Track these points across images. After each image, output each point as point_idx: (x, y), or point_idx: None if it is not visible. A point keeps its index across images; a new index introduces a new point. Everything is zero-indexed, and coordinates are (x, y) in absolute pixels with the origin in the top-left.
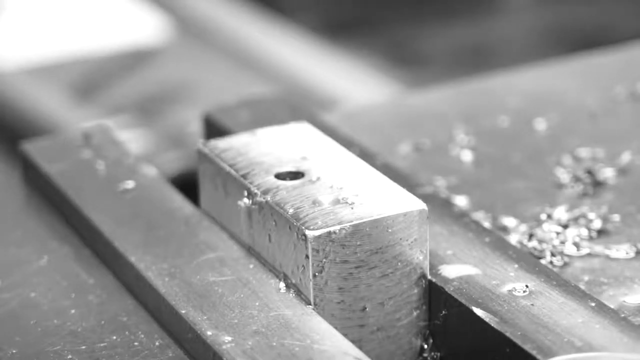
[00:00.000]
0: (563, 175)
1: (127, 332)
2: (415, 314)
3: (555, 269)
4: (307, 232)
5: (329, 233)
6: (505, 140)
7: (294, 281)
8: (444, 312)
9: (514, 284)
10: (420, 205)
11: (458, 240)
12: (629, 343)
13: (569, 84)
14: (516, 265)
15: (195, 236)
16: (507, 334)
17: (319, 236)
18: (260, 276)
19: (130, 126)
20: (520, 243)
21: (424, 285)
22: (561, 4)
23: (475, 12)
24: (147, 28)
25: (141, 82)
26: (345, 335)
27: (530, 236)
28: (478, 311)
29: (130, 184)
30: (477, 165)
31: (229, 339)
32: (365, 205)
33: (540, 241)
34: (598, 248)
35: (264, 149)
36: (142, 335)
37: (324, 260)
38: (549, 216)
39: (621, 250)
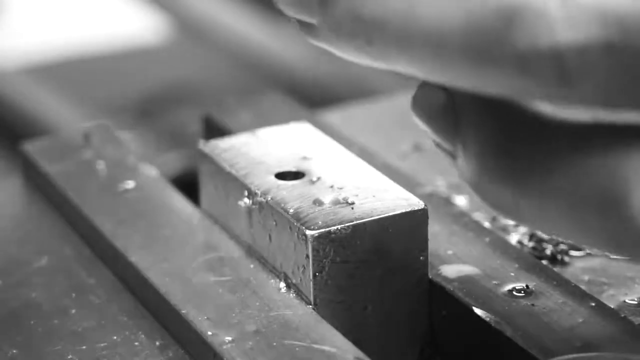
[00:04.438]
0: None
1: (127, 332)
2: (415, 313)
3: (555, 269)
4: (308, 232)
5: (329, 233)
6: None
7: (294, 281)
8: (444, 312)
9: (514, 284)
10: (421, 205)
11: (458, 240)
12: (629, 343)
13: None
14: (516, 265)
15: (195, 236)
16: (507, 334)
17: (319, 236)
18: (260, 276)
19: (130, 126)
20: (520, 243)
21: (424, 285)
22: None
23: None
24: (147, 28)
25: (141, 82)
26: (345, 335)
27: (531, 236)
28: (478, 311)
29: (130, 184)
30: None
31: (230, 338)
32: (365, 205)
33: (540, 241)
34: None
35: (264, 149)
36: (143, 335)
37: (325, 260)
38: None
39: None
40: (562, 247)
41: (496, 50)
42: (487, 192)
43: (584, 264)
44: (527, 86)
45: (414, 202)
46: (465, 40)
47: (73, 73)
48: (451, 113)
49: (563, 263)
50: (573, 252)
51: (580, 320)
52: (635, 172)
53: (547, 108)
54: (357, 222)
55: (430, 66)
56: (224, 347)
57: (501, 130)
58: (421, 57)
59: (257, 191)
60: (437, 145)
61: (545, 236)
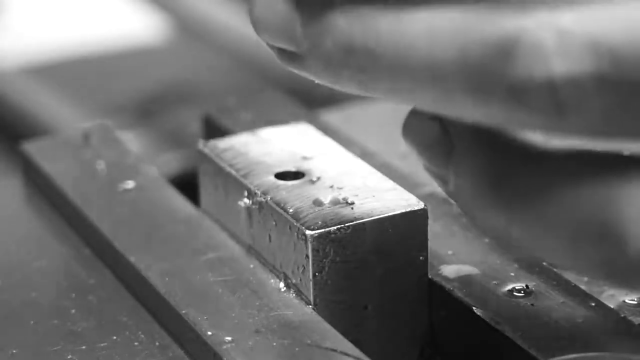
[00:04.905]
0: None
1: (127, 332)
2: (415, 313)
3: (555, 269)
4: (307, 232)
5: (329, 233)
6: None
7: (294, 281)
8: (444, 312)
9: (514, 284)
10: (421, 205)
11: (458, 240)
12: (629, 343)
13: None
14: (516, 265)
15: (195, 236)
16: (507, 334)
17: (319, 236)
18: (260, 276)
19: (130, 126)
20: None
21: (424, 285)
22: None
23: None
24: (147, 27)
25: (141, 82)
26: (345, 335)
27: None
28: (478, 311)
29: (130, 184)
30: None
31: (229, 339)
32: (365, 205)
33: None
34: None
35: (264, 149)
36: (142, 335)
37: (324, 260)
38: None
39: None
40: None
41: (491, 82)
42: (479, 219)
43: None
44: (522, 117)
45: (414, 202)
46: (460, 72)
47: (73, 73)
48: (444, 141)
49: None
50: None
51: (580, 320)
52: (629, 204)
53: (540, 138)
54: (357, 222)
55: (423, 96)
56: (224, 347)
57: (495, 160)
58: (414, 88)
59: (256, 191)
60: (429, 170)
61: None
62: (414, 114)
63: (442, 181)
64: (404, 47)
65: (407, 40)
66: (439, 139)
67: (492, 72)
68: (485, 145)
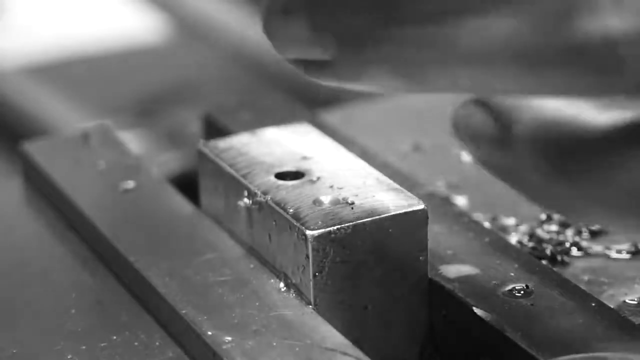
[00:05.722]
0: None
1: (127, 332)
2: (415, 313)
3: (555, 269)
4: (307, 232)
5: (329, 233)
6: None
7: (294, 281)
8: (444, 312)
9: (514, 284)
10: (420, 205)
11: (458, 240)
12: (629, 343)
13: None
14: (516, 265)
15: (195, 236)
16: (507, 334)
17: (319, 236)
18: (260, 276)
19: (130, 126)
20: (520, 243)
21: (424, 285)
22: None
23: None
24: (147, 28)
25: (141, 82)
26: (345, 335)
27: (531, 236)
28: (478, 311)
29: (130, 184)
30: (477, 165)
31: (229, 339)
32: (365, 205)
33: (540, 241)
34: (598, 248)
35: (264, 149)
36: (142, 335)
37: (324, 260)
38: (549, 216)
39: (621, 251)
40: (562, 247)
41: (548, 47)
42: (544, 200)
43: (584, 264)
44: (581, 81)
45: (414, 202)
46: (515, 42)
47: (73, 73)
48: (497, 129)
49: (563, 263)
50: (573, 252)
51: (580, 320)
52: None
53: (593, 115)
54: (357, 222)
55: (479, 78)
56: (224, 347)
57: (556, 141)
58: (468, 69)
59: (256, 191)
60: (482, 162)
61: (545, 236)
62: (462, 107)
63: (497, 170)
64: (452, 26)
65: (457, 25)
66: (494, 127)
67: (548, 36)
68: (543, 128)
